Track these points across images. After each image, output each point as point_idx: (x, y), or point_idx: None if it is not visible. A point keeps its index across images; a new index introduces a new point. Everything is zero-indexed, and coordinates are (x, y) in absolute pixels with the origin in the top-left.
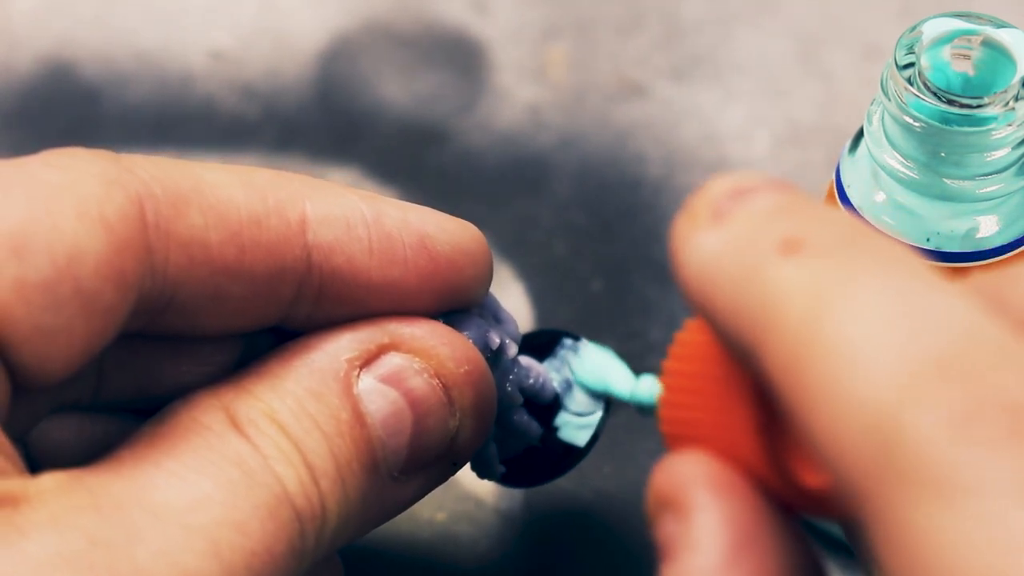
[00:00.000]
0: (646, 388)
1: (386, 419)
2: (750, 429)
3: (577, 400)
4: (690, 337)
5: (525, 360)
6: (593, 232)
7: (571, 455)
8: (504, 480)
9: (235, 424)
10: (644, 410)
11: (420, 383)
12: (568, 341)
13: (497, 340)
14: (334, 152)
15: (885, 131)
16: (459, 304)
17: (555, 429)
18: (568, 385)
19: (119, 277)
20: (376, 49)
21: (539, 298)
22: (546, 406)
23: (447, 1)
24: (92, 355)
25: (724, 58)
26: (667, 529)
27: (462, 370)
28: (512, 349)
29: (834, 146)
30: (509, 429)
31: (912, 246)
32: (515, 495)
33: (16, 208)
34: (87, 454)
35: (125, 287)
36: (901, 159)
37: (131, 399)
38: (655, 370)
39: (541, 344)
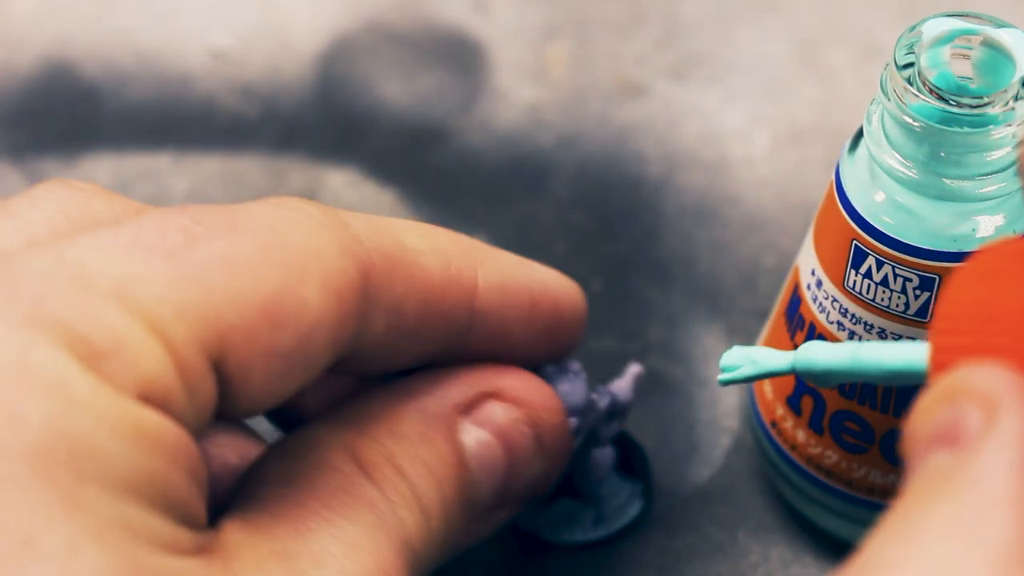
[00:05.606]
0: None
1: (483, 463)
2: None
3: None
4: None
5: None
6: (593, 232)
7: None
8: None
9: (361, 467)
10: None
11: (514, 431)
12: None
13: (595, 397)
14: (334, 152)
15: (885, 131)
16: (556, 357)
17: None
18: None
19: (336, 345)
20: (376, 49)
21: None
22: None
23: (447, 1)
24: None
25: (724, 58)
26: (965, 417)
27: (551, 421)
28: (603, 401)
29: (834, 146)
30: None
31: (913, 247)
32: None
33: (274, 275)
34: None
35: (337, 352)
36: (901, 159)
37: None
38: (655, 369)
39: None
